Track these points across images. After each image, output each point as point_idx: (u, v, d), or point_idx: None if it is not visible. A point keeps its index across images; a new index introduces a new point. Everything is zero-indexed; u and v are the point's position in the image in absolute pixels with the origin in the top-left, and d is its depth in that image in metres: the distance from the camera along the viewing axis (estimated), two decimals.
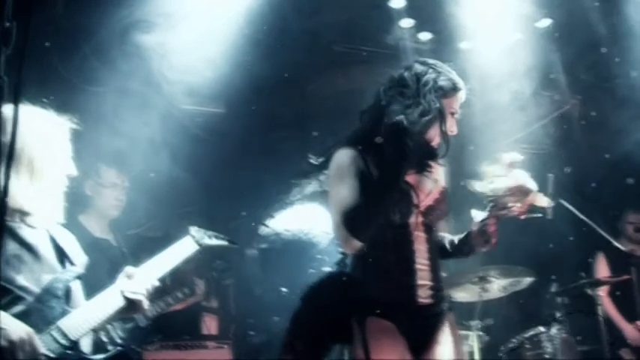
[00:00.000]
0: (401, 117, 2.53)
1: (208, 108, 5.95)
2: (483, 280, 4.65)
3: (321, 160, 6.08)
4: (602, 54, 5.20)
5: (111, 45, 4.65)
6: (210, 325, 5.69)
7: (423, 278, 2.72)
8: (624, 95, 5.56)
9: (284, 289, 6.15)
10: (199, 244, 2.94)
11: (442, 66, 2.77)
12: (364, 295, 2.62)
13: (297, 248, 6.42)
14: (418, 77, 2.70)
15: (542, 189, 5.07)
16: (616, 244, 5.17)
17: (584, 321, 5.03)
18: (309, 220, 6.54)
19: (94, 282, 2.79)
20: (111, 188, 4.58)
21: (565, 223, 4.99)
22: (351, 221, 2.52)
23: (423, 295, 2.71)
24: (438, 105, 2.67)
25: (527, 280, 4.77)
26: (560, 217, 4.97)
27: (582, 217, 5.06)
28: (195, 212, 5.46)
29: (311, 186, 6.33)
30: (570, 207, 5.03)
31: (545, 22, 5.18)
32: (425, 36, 5.62)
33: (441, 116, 2.69)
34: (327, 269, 6.40)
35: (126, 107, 4.72)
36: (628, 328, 5.44)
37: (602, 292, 5.37)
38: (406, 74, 2.73)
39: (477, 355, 4.49)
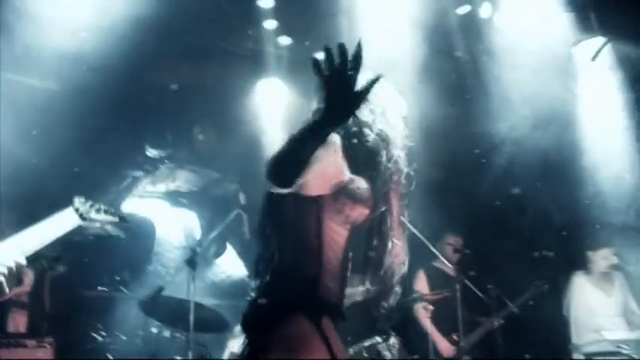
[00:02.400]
0: None
1: (39, 81, 5.41)
2: None
3: (157, 152, 5.82)
4: None
5: None
6: (19, 321, 5.08)
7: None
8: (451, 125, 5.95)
9: (101, 287, 5.75)
10: (83, 218, 2.61)
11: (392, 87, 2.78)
12: (321, 295, 2.50)
13: (119, 243, 6.02)
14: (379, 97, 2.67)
15: None
16: (444, 260, 5.48)
17: (414, 333, 5.27)
18: (138, 216, 6.18)
19: None
20: None
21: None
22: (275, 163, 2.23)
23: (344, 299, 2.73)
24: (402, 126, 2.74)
25: (365, 290, 4.87)
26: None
27: (416, 232, 5.30)
28: (19, 194, 4.88)
29: (145, 180, 6.00)
30: (405, 221, 5.27)
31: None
32: (285, 40, 5.60)
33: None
34: (152, 268, 6.15)
35: None
36: (442, 342, 5.77)
37: (423, 307, 5.67)
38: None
39: None
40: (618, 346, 4.84)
